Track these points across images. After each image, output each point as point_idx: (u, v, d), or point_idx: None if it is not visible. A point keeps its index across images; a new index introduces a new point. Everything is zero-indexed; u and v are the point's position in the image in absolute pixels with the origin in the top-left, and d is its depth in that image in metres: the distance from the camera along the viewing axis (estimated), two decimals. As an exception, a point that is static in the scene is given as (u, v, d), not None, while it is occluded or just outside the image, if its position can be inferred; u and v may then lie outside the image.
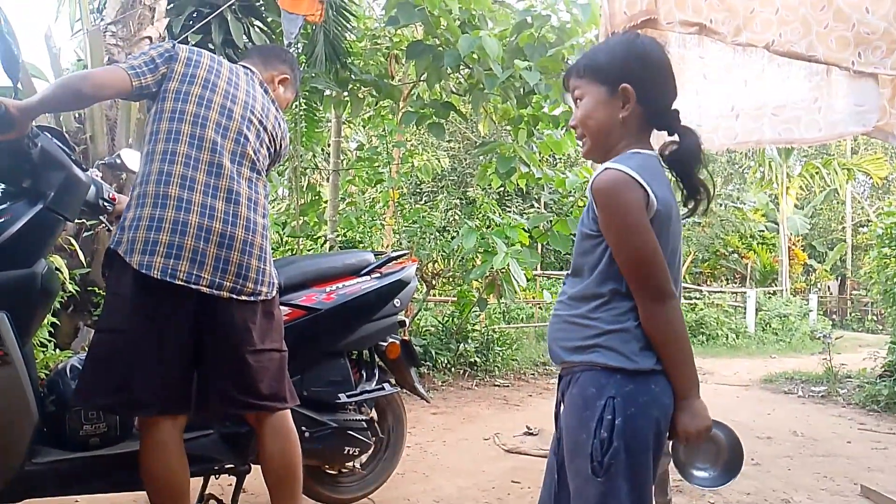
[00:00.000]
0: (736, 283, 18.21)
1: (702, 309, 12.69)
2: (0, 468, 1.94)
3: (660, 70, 1.37)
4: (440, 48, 5.80)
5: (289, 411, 2.11)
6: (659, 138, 1.42)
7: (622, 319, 1.30)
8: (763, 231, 19.24)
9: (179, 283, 1.84)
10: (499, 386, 6.31)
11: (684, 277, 16.88)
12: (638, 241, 1.27)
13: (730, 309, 13.35)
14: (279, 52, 2.36)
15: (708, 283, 17.83)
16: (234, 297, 1.92)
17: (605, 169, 1.30)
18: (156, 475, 1.94)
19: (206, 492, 2.49)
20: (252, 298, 1.96)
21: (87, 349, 1.92)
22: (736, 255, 18.70)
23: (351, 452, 2.56)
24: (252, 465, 2.36)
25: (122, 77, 1.94)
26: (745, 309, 13.40)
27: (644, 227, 1.27)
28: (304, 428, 2.35)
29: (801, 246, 20.59)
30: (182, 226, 1.86)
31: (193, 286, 1.86)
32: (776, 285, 17.51)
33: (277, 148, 2.19)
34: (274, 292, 2.05)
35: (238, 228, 1.94)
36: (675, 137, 1.38)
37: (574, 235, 6.95)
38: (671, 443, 1.37)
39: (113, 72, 1.96)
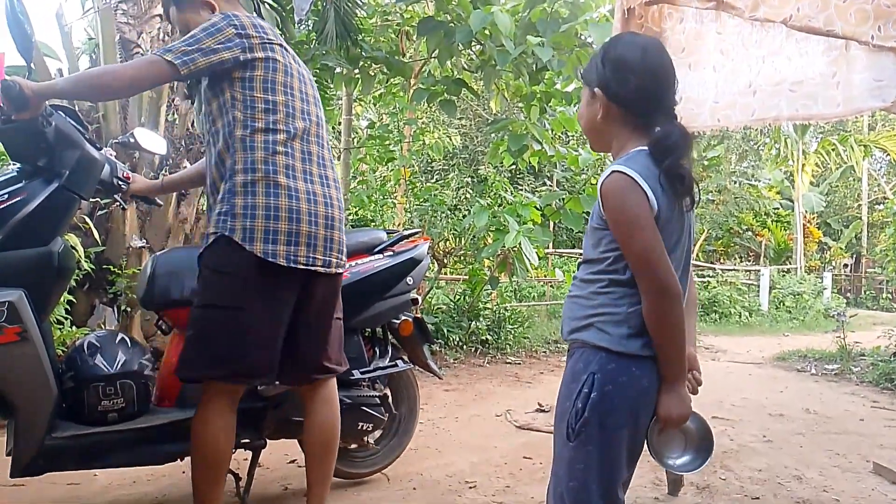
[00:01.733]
0: (750, 261, 18.11)
1: (715, 287, 12.64)
2: (21, 443, 1.98)
3: (632, 71, 1.40)
4: (451, 24, 5.75)
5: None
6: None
7: (617, 303, 1.39)
8: (778, 208, 19.07)
9: (301, 267, 1.97)
10: (510, 363, 6.34)
11: (697, 256, 16.82)
12: (641, 242, 1.34)
13: (743, 287, 13.29)
14: None
15: (721, 260, 17.74)
16: (336, 271, 2.09)
17: (612, 172, 1.38)
18: (211, 441, 2.01)
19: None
20: (342, 270, 2.15)
21: (191, 324, 2.01)
22: (750, 233, 18.57)
23: (365, 428, 2.59)
24: (267, 440, 2.39)
25: (159, 69, 1.90)
26: (759, 287, 13.35)
27: (648, 228, 1.34)
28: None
29: (816, 223, 20.41)
30: (297, 213, 1.97)
31: (311, 268, 2.00)
32: (790, 263, 17.39)
33: None
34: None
35: (335, 209, 2.08)
36: (658, 132, 1.42)
37: (586, 213, 6.94)
38: (648, 429, 1.43)
39: (150, 63, 1.91)
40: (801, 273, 16.03)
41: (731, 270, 14.60)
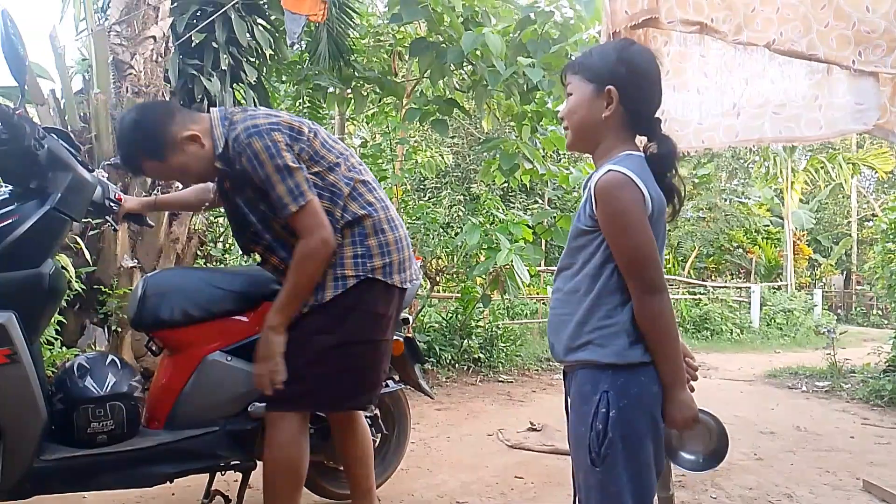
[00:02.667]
0: (741, 278, 18.19)
1: (706, 304, 12.68)
2: (10, 465, 1.97)
3: (646, 79, 1.44)
4: (443, 45, 5.81)
5: None
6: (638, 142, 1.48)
7: (613, 314, 1.38)
8: (768, 226, 19.20)
9: (408, 286, 2.21)
10: (502, 382, 6.33)
11: (688, 273, 16.88)
12: (638, 240, 1.34)
13: (734, 304, 13.35)
14: None
15: (713, 278, 17.82)
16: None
17: (608, 171, 1.37)
18: (292, 464, 2.11)
19: (213, 488, 2.51)
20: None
21: (327, 361, 2.10)
22: (741, 250, 18.68)
23: (355, 449, 2.58)
24: (257, 462, 2.39)
25: (320, 219, 2.02)
26: (750, 304, 13.40)
27: (643, 226, 1.35)
28: (309, 425, 2.37)
29: (806, 240, 20.55)
30: (404, 241, 2.20)
31: (412, 284, 2.25)
32: (781, 280, 17.48)
33: None
34: None
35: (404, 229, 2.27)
36: (655, 144, 1.45)
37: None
38: (663, 429, 1.43)
39: (318, 217, 2.02)
40: (792, 290, 16.11)
41: (722, 287, 14.66)
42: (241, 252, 5.38)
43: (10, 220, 2.00)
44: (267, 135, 1.99)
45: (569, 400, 1.50)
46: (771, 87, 2.59)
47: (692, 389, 1.46)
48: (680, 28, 2.32)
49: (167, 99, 4.66)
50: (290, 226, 2.04)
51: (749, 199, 18.83)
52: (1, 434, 1.96)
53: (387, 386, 2.72)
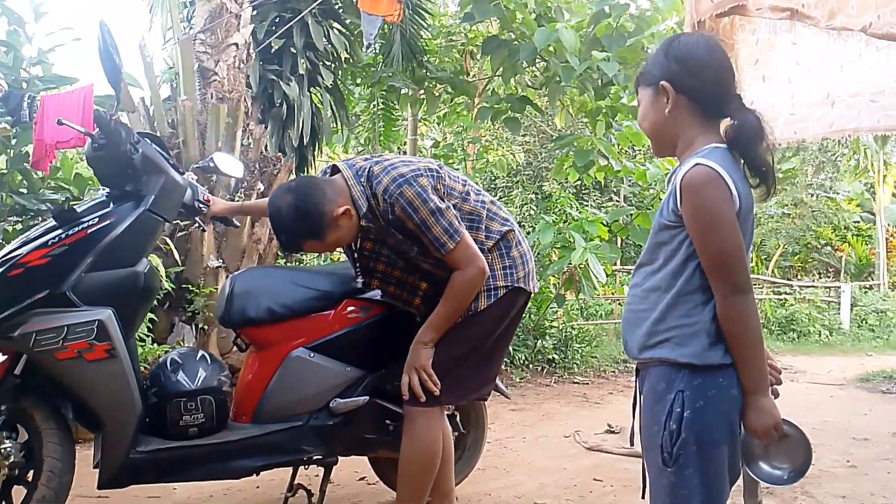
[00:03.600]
0: (829, 277, 17.32)
1: (792, 304, 12.14)
2: (108, 456, 2.07)
3: (701, 64, 1.41)
4: (515, 42, 5.78)
5: None
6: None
7: (693, 313, 1.34)
8: (858, 222, 18.21)
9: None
10: (578, 383, 6.24)
11: (773, 272, 16.22)
12: (725, 237, 1.30)
13: (822, 304, 12.72)
14: None
15: (799, 277, 17.04)
16: None
17: (696, 165, 1.33)
18: (429, 455, 2.22)
19: (296, 482, 2.57)
20: None
21: (468, 362, 2.24)
22: (829, 248, 17.79)
23: (433, 447, 2.60)
24: (339, 457, 2.43)
25: (474, 250, 2.14)
26: (840, 304, 12.74)
27: (731, 223, 1.31)
28: (387, 421, 2.40)
29: (901, 237, 19.40)
30: (530, 251, 2.37)
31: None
32: (873, 279, 16.56)
33: None
34: None
35: None
36: (734, 121, 1.41)
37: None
38: (743, 436, 1.38)
39: (472, 249, 2.13)
40: (885, 289, 15.24)
41: (810, 287, 14.00)
42: (318, 254, 5.49)
43: (107, 222, 2.11)
44: (415, 181, 2.07)
45: (640, 398, 1.48)
46: (867, 74, 2.46)
47: (776, 395, 1.41)
48: (769, 15, 2.22)
49: (247, 102, 4.80)
50: (447, 261, 2.13)
51: (837, 193, 17.91)
52: (101, 426, 2.07)
53: None
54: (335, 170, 2.22)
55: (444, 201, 2.11)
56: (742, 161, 1.39)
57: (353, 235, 2.20)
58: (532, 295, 2.38)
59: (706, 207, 1.31)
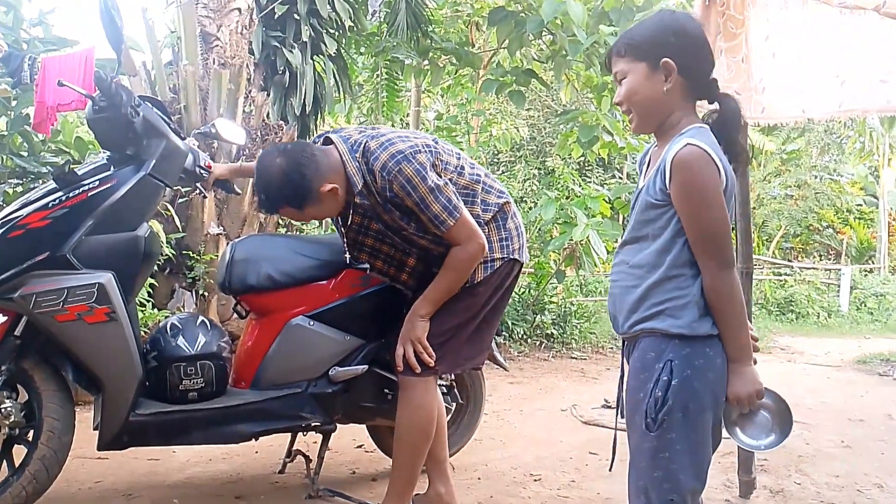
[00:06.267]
0: (830, 259, 17.34)
1: (792, 286, 12.16)
2: (108, 418, 2.09)
3: (696, 43, 1.44)
4: (522, 14, 5.71)
5: None
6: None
7: (683, 286, 1.39)
8: (861, 205, 18.16)
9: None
10: (576, 358, 6.27)
11: (774, 253, 16.22)
12: (714, 215, 1.36)
13: (822, 286, 12.73)
14: None
15: (799, 258, 17.05)
16: None
17: (686, 144, 1.36)
18: (425, 423, 2.20)
19: (294, 448, 2.60)
20: None
21: (463, 332, 2.23)
22: (831, 230, 17.77)
23: (431, 417, 2.61)
24: (337, 424, 2.45)
25: (473, 226, 2.13)
26: (839, 287, 12.75)
27: (720, 202, 1.36)
28: (386, 390, 2.41)
29: (903, 221, 19.36)
30: (522, 224, 2.38)
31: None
32: (873, 262, 16.56)
33: None
34: None
35: None
36: (716, 105, 1.46)
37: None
38: (724, 405, 1.43)
39: (471, 224, 2.12)
40: (885, 273, 15.25)
41: (810, 269, 14.00)
42: (319, 223, 5.48)
43: (108, 185, 2.10)
44: (414, 158, 2.04)
45: (627, 369, 1.52)
46: (879, 54, 2.41)
47: (755, 363, 1.45)
48: (781, -10, 2.18)
49: (249, 68, 4.75)
50: (446, 238, 2.11)
51: (841, 176, 17.82)
52: (101, 388, 2.08)
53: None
54: (327, 141, 2.16)
55: (441, 178, 2.09)
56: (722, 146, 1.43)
57: (335, 212, 2.18)
58: (524, 265, 2.40)
59: (697, 186, 1.35)
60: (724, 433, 1.49)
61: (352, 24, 6.37)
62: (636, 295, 1.43)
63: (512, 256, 2.26)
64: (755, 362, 1.44)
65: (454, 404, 2.72)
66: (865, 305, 12.48)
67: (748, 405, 1.42)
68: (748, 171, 1.48)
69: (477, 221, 2.16)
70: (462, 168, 2.22)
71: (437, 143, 2.20)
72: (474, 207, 2.20)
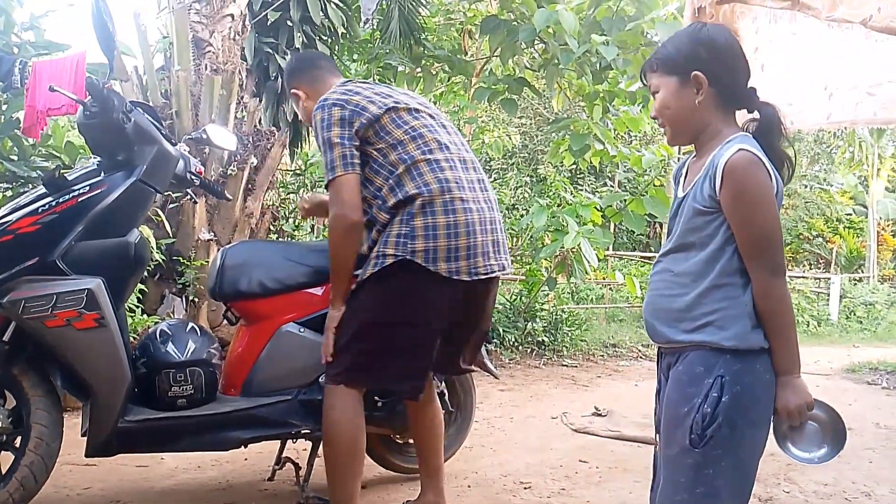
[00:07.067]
0: (820, 268, 17.44)
1: (781, 294, 12.22)
2: (97, 424, 2.08)
3: (728, 54, 1.43)
4: (515, 22, 5.74)
5: None
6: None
7: (733, 296, 1.35)
8: (850, 214, 18.30)
9: (481, 277, 2.06)
10: (567, 366, 6.28)
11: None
12: (767, 220, 1.33)
13: (812, 295, 12.82)
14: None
15: (789, 267, 17.12)
16: (500, 273, 2.12)
17: (739, 150, 1.34)
18: (343, 436, 2.09)
19: (284, 455, 2.59)
20: (503, 273, 2.14)
21: (368, 338, 2.07)
22: (820, 240, 17.88)
23: (421, 424, 2.61)
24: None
25: (352, 182, 2.05)
26: (829, 295, 12.84)
27: (773, 206, 1.34)
28: (376, 398, 2.41)
29: (892, 231, 19.50)
30: (471, 226, 2.05)
31: (490, 275, 2.09)
32: (863, 271, 16.68)
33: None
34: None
35: (495, 212, 2.16)
36: (756, 115, 1.44)
37: (649, 215, 6.71)
38: (773, 419, 1.39)
39: (350, 187, 2.04)
40: (874, 282, 15.36)
41: (800, 278, 14.09)
42: (310, 229, 5.48)
43: (98, 191, 2.10)
44: (328, 109, 2.08)
45: (665, 381, 1.47)
46: (866, 67, 2.44)
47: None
48: (770, 3, 2.21)
49: (242, 74, 4.76)
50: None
51: (831, 186, 17.97)
52: (90, 394, 2.07)
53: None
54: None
55: (345, 138, 2.04)
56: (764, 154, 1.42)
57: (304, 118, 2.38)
58: (464, 281, 2.04)
59: (751, 191, 1.33)
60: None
61: (345, 31, 6.39)
62: (682, 304, 1.39)
63: (408, 257, 2.00)
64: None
65: (444, 412, 2.71)
66: (855, 314, 12.57)
67: (798, 418, 1.37)
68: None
69: (380, 203, 2.07)
70: (401, 143, 2.08)
71: (395, 110, 2.11)
72: (383, 187, 2.06)
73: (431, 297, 2.05)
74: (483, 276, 2.07)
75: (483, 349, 2.89)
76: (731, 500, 1.36)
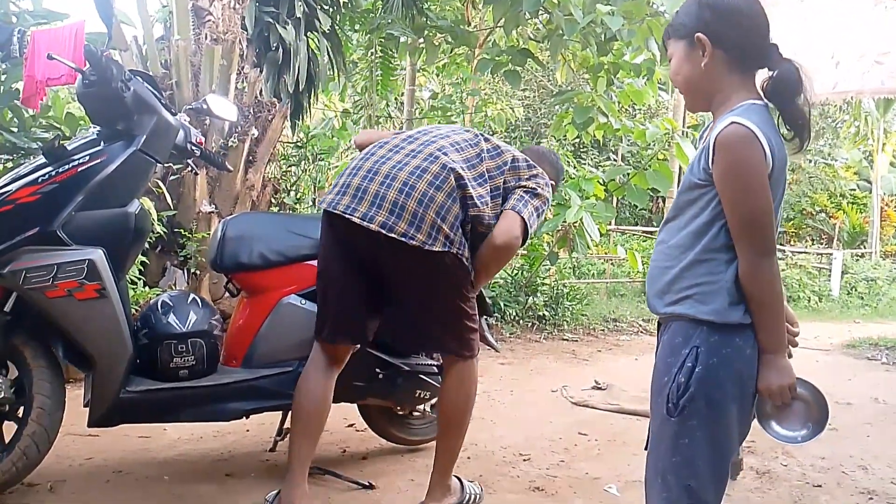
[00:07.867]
0: (822, 243, 17.40)
1: (783, 269, 12.19)
2: (99, 395, 2.09)
3: (737, 13, 1.38)
4: (519, -7, 5.64)
5: (471, 362, 2.25)
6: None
7: (716, 271, 1.34)
8: (854, 190, 18.20)
9: (337, 212, 2.03)
10: (567, 340, 6.30)
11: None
12: (755, 199, 1.30)
13: (814, 271, 12.79)
14: None
15: (792, 242, 17.10)
16: (384, 231, 1.96)
17: (731, 123, 1.31)
18: (305, 394, 2.14)
19: (285, 426, 2.61)
20: (404, 239, 1.97)
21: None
22: (824, 215, 17.81)
23: (422, 395, 2.62)
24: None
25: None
26: (830, 271, 12.83)
27: (763, 186, 1.30)
28: (377, 370, 2.42)
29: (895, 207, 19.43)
30: (359, 170, 2.08)
31: (346, 216, 2.00)
32: (865, 247, 16.64)
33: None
34: (441, 247, 2.01)
35: (404, 173, 2.04)
36: (773, 71, 1.38)
37: (652, 190, 6.65)
38: (756, 398, 1.38)
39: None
40: (877, 258, 15.33)
41: (802, 253, 14.06)
42: (311, 202, 5.46)
43: (98, 160, 2.08)
44: None
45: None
46: (874, 35, 2.40)
47: (790, 356, 1.40)
48: (779, -29, 2.17)
49: (242, 44, 4.70)
50: None
51: (835, 161, 17.85)
52: (92, 365, 2.08)
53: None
54: None
55: None
56: (778, 114, 1.38)
57: None
58: (341, 216, 2.02)
59: (739, 167, 1.30)
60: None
61: (346, 1, 6.31)
62: (669, 276, 1.39)
63: (321, 203, 2.13)
64: (790, 355, 1.40)
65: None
66: (856, 290, 12.56)
67: (780, 398, 1.37)
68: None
69: None
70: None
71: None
72: None
73: (322, 236, 2.15)
74: (341, 213, 2.01)
75: (484, 322, 2.89)
76: (708, 469, 1.36)
